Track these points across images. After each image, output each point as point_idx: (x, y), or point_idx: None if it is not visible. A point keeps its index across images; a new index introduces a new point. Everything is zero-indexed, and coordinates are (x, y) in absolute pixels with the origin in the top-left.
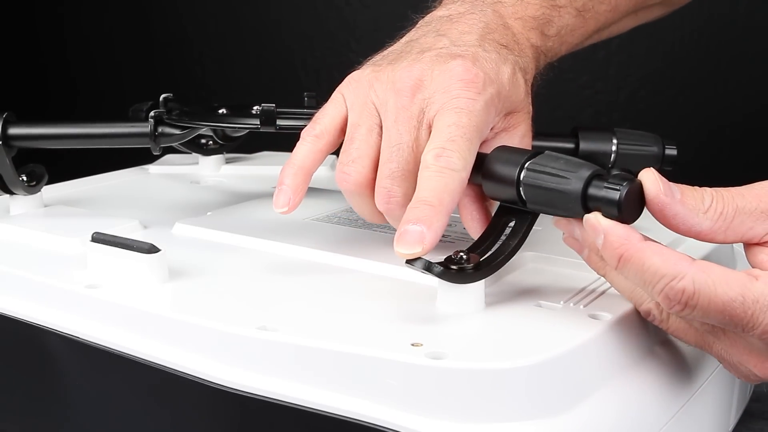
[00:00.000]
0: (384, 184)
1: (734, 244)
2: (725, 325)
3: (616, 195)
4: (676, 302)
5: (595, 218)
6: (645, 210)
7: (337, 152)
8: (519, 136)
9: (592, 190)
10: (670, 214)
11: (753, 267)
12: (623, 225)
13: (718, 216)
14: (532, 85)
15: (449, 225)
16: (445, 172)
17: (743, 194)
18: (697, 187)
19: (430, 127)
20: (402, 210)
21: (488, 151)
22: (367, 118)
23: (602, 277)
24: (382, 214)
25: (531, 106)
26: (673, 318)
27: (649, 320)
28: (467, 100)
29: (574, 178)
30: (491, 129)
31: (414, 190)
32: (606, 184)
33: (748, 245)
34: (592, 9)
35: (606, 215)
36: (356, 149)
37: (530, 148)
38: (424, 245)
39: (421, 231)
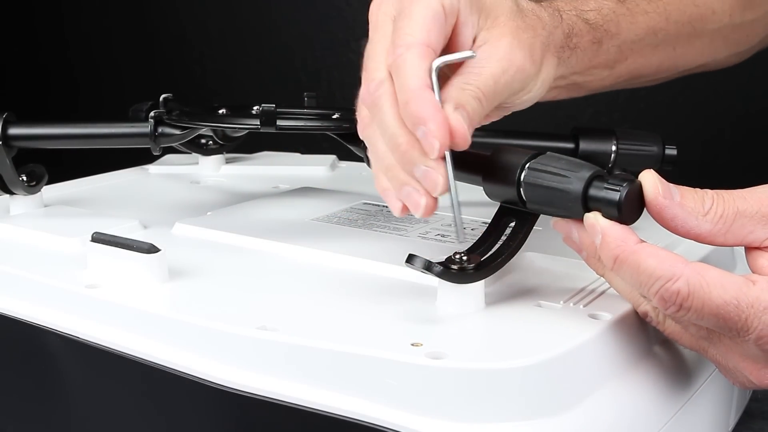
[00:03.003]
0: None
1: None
2: (720, 329)
3: (616, 196)
4: (671, 304)
5: (594, 217)
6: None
7: (337, 152)
8: (499, 52)
9: (592, 191)
10: (668, 216)
11: (753, 272)
12: (621, 226)
13: (718, 219)
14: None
15: (449, 225)
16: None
17: (745, 197)
18: (698, 189)
19: None
20: None
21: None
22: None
23: (602, 277)
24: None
25: (522, 22)
26: (670, 320)
27: (647, 321)
28: None
29: (574, 178)
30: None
31: None
32: (606, 185)
33: (749, 249)
34: (636, 4)
35: (606, 216)
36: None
37: (515, 69)
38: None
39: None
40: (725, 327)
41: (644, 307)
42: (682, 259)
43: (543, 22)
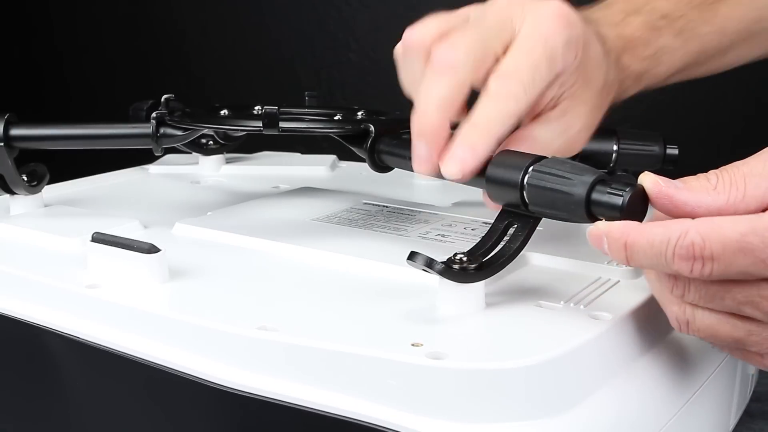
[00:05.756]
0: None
1: None
2: (750, 269)
3: (619, 200)
4: (692, 259)
5: (595, 228)
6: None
7: (337, 152)
8: (566, 127)
9: (595, 195)
10: (680, 202)
11: None
12: (621, 221)
13: (729, 186)
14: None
15: (449, 225)
16: (500, 98)
17: (746, 162)
18: (697, 174)
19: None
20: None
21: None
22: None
23: (602, 277)
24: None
25: (598, 113)
26: (701, 313)
27: (681, 331)
28: (552, 28)
29: (578, 182)
30: (544, 103)
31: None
32: (609, 189)
33: None
34: (692, 30)
35: (609, 220)
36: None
37: (581, 152)
38: (464, 169)
39: (463, 155)
40: (753, 262)
41: (672, 308)
42: (687, 218)
43: (612, 91)
